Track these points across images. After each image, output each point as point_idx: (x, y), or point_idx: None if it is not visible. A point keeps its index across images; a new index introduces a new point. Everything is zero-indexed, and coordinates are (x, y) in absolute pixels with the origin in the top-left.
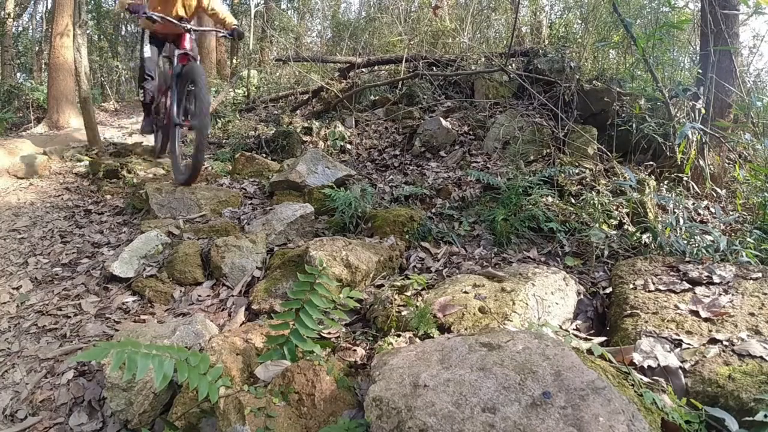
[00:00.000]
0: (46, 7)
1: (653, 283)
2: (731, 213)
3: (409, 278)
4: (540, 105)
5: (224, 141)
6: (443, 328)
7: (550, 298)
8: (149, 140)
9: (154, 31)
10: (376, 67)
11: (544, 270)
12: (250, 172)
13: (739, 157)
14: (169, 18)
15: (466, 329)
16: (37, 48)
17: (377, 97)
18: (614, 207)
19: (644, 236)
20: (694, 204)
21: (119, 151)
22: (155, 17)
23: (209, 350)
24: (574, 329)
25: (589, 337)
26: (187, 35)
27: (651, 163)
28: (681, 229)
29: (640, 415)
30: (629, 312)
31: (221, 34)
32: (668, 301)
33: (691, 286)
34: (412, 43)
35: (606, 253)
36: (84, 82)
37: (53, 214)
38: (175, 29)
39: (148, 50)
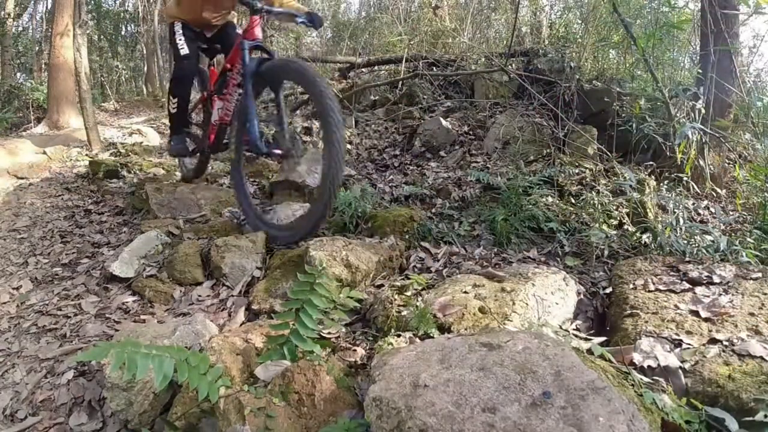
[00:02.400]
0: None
1: (653, 283)
2: (731, 213)
3: (409, 278)
4: (540, 105)
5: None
6: (443, 328)
7: (550, 298)
8: (150, 140)
9: (189, 21)
10: (376, 67)
11: (544, 270)
12: (250, 172)
13: (739, 157)
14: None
15: (466, 329)
16: (37, 48)
17: (377, 97)
18: (614, 207)
19: (644, 236)
20: (694, 204)
21: (119, 151)
22: None
23: (209, 350)
24: (574, 329)
25: (589, 337)
26: (258, 19)
27: (651, 163)
28: (681, 229)
29: (640, 415)
30: (629, 312)
31: (299, 21)
32: (668, 301)
33: (691, 286)
34: (412, 43)
35: (606, 253)
36: (84, 82)
37: (53, 214)
38: (219, 19)
39: (184, 46)
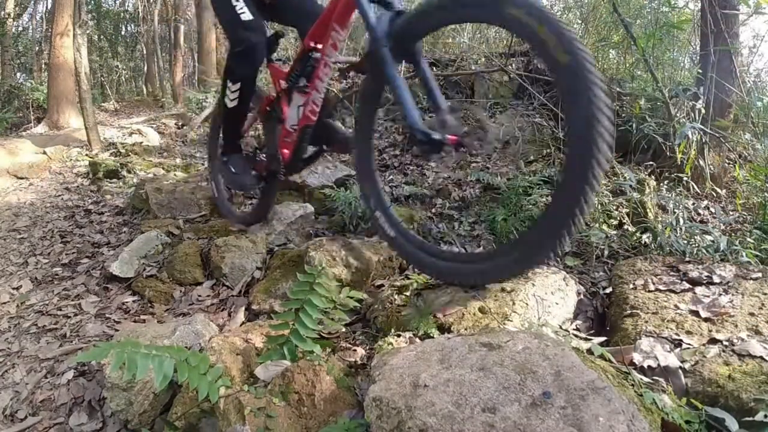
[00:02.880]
0: (46, 7)
1: (653, 283)
2: (731, 213)
3: (409, 278)
4: (540, 105)
5: None
6: (443, 328)
7: (550, 298)
8: (150, 140)
9: None
10: None
11: (544, 270)
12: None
13: (739, 157)
14: None
15: (466, 329)
16: (37, 48)
17: None
18: (614, 207)
19: (644, 236)
20: (694, 204)
21: (119, 151)
22: None
23: (209, 350)
24: (574, 329)
25: (589, 337)
26: None
27: (651, 163)
28: (681, 229)
29: (640, 415)
30: (629, 312)
31: None
32: (668, 301)
33: (691, 286)
34: None
35: (606, 253)
36: (84, 82)
37: (53, 214)
38: None
39: (244, 8)
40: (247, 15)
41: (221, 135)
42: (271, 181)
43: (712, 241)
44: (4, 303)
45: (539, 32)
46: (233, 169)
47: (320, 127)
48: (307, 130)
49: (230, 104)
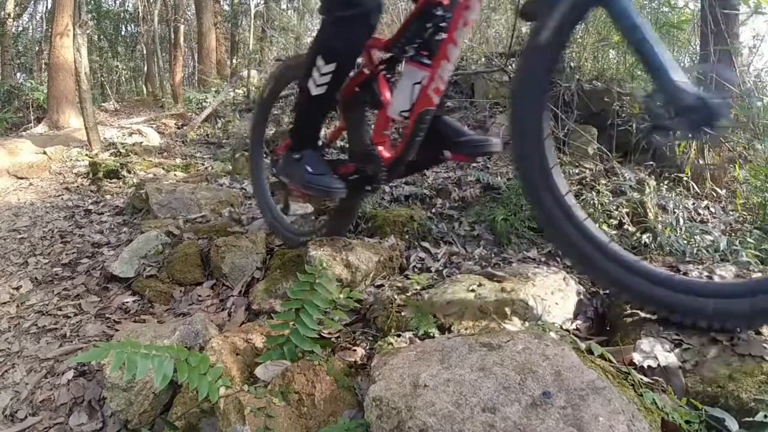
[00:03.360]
0: (46, 7)
1: None
2: (731, 213)
3: (409, 278)
4: None
5: (224, 141)
6: (443, 328)
7: (550, 298)
8: (150, 140)
9: None
10: None
11: (544, 270)
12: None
13: (739, 157)
14: None
15: (466, 329)
16: (37, 48)
17: None
18: (614, 207)
19: (644, 236)
20: (694, 204)
21: (119, 151)
22: None
23: (209, 350)
24: (574, 329)
25: (589, 337)
26: None
27: (651, 163)
28: (681, 229)
29: (640, 415)
30: (629, 312)
31: None
32: None
33: None
34: None
35: None
36: (84, 82)
37: (53, 214)
38: None
39: None
40: None
41: (268, 143)
42: (358, 188)
43: (712, 241)
44: (4, 303)
45: None
46: (310, 169)
47: (435, 122)
48: (426, 117)
49: (315, 90)
